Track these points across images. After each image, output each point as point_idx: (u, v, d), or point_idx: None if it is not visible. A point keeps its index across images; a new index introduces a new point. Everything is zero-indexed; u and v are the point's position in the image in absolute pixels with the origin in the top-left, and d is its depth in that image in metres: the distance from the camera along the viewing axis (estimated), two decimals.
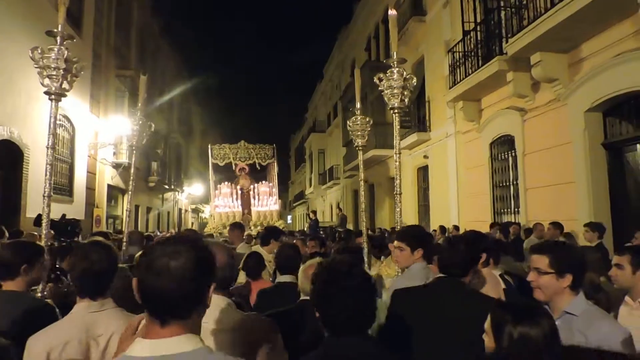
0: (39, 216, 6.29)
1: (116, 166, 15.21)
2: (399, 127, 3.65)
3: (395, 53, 3.50)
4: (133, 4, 17.49)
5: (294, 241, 5.31)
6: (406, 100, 3.55)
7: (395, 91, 3.48)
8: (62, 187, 11.45)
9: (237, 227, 6.18)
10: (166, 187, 22.57)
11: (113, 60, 14.90)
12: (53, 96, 3.08)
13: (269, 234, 5.37)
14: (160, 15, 21.75)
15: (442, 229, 9.62)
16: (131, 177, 5.20)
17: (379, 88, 3.58)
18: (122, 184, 16.12)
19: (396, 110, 3.54)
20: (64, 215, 7.14)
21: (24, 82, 9.01)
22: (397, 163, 3.60)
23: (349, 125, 4.90)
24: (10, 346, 1.55)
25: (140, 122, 4.99)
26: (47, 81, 3.05)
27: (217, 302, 1.76)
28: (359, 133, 4.82)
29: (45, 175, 3.10)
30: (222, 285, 1.79)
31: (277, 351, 1.93)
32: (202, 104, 36.45)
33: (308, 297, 2.35)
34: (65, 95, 3.13)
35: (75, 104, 11.87)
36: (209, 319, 1.68)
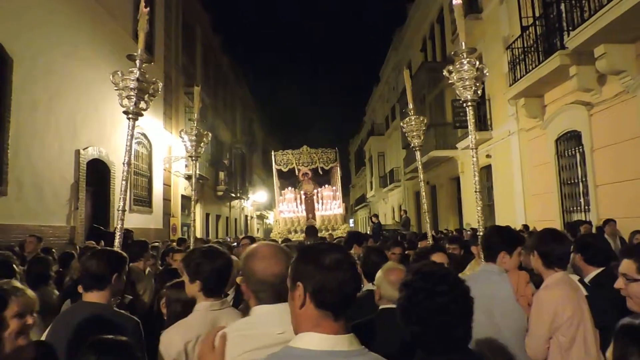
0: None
1: (188, 177, 16.24)
2: (473, 120, 3.42)
3: (463, 43, 3.31)
4: (196, 25, 18.63)
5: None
6: (479, 92, 3.34)
7: (467, 83, 3.29)
8: (142, 199, 12.48)
9: (310, 231, 6.46)
10: (233, 195, 23.62)
11: (181, 79, 15.98)
12: (131, 115, 3.20)
13: (351, 239, 5.24)
14: (220, 31, 22.95)
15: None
16: (192, 187, 5.45)
17: (449, 81, 3.41)
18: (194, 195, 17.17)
19: (469, 103, 3.34)
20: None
21: (108, 107, 10.00)
22: (475, 159, 3.37)
23: (404, 126, 4.79)
24: (130, 342, 1.72)
25: (196, 131, 5.12)
26: (125, 102, 3.19)
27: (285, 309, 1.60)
28: (415, 133, 4.72)
29: (121, 190, 3.17)
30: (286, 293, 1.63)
31: None
32: (262, 113, 37.77)
33: (390, 305, 2.30)
34: (141, 115, 3.24)
35: (152, 122, 12.92)
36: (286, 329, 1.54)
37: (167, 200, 14.28)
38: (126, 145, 3.24)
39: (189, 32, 17.30)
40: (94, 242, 6.89)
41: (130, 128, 3.23)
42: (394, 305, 2.20)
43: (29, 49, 7.61)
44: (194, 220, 5.57)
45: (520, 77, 9.11)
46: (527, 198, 10.28)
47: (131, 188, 11.48)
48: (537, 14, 8.97)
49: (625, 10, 5.76)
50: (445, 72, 3.46)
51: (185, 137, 5.20)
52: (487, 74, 3.40)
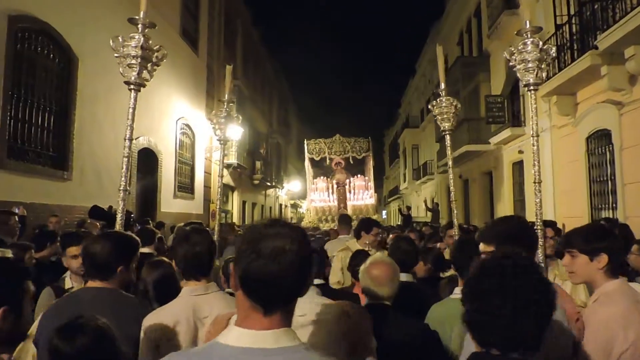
0: (94, 207, 7.12)
1: (227, 166, 17.02)
2: (535, 105, 3.12)
3: (528, 22, 3.01)
4: (237, 19, 19.30)
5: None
6: (543, 74, 3.05)
7: (530, 65, 3.00)
8: (185, 186, 13.32)
9: (344, 219, 5.87)
10: (268, 184, 24.40)
11: (223, 72, 16.65)
12: (133, 86, 2.83)
13: (360, 226, 4.87)
14: (260, 24, 23.61)
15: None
16: (219, 173, 5.07)
17: (510, 64, 3.15)
18: (231, 182, 17.99)
19: (532, 88, 3.06)
20: (110, 207, 7.98)
21: (156, 100, 10.79)
22: (535, 147, 3.05)
23: (433, 109, 4.47)
24: (109, 328, 1.58)
25: (226, 113, 4.69)
26: (127, 70, 2.85)
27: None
28: (445, 116, 4.40)
29: (122, 168, 2.85)
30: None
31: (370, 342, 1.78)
32: (298, 103, 38.44)
33: (374, 301, 2.20)
34: (144, 86, 2.89)
35: (195, 114, 13.71)
36: (307, 311, 1.53)
37: (207, 187, 15.11)
38: (127, 119, 2.88)
39: (230, 27, 17.98)
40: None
41: (133, 100, 2.87)
42: (376, 302, 2.14)
43: (91, 48, 8.39)
44: (215, 203, 5.43)
45: (554, 75, 9.23)
46: (557, 194, 10.41)
47: (176, 175, 12.32)
48: (572, 12, 9.05)
49: None
50: (505, 54, 3.19)
51: (214, 119, 4.79)
52: (554, 54, 3.07)
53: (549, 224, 4.25)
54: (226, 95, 4.81)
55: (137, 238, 2.26)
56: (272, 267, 1.03)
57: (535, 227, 2.67)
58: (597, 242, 1.89)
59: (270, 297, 1.05)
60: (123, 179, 2.82)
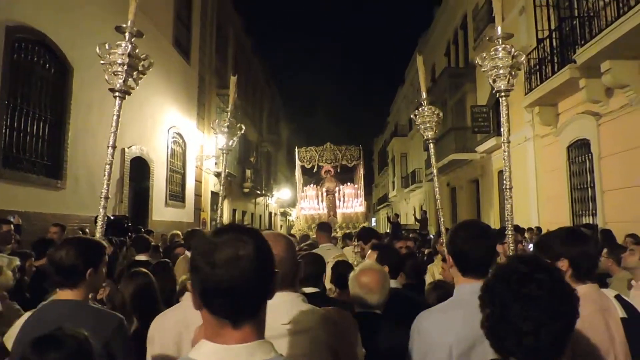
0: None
1: (217, 175, 17.15)
2: (506, 112, 3.13)
3: (499, 28, 3.03)
4: (229, 29, 19.52)
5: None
6: (514, 81, 3.07)
7: (502, 71, 3.01)
8: (176, 194, 13.41)
9: (324, 227, 5.80)
10: (258, 192, 24.50)
11: (214, 81, 16.87)
12: (118, 94, 2.82)
13: (360, 235, 4.86)
14: (252, 32, 23.84)
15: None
16: (221, 182, 5.12)
17: (482, 70, 3.15)
18: (222, 191, 18.09)
19: (503, 94, 3.07)
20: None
21: (149, 109, 10.93)
22: (506, 153, 3.13)
23: (416, 118, 4.50)
24: (88, 339, 1.51)
25: (229, 123, 4.74)
26: (113, 78, 2.83)
27: (289, 299, 1.54)
28: (428, 125, 4.39)
29: (104, 175, 2.80)
30: (288, 281, 1.54)
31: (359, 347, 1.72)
32: (288, 112, 38.66)
33: (364, 310, 2.14)
34: (129, 93, 2.88)
35: (186, 123, 13.85)
36: (292, 319, 1.50)
37: (198, 195, 15.21)
38: (111, 126, 2.86)
39: (221, 35, 18.17)
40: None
41: (117, 107, 2.85)
42: (366, 310, 2.11)
43: (85, 56, 8.48)
44: (221, 215, 5.48)
45: (535, 87, 9.60)
46: (540, 201, 10.74)
47: (167, 184, 12.43)
48: (552, 27, 9.43)
49: (627, 30, 6.25)
50: (477, 60, 3.20)
51: (217, 129, 4.83)
52: (524, 61, 3.12)
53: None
54: (230, 106, 4.95)
55: (104, 243, 2.24)
56: (229, 275, 0.97)
57: (506, 233, 2.82)
58: (557, 246, 1.89)
59: (236, 308, 0.99)
60: (105, 186, 2.80)
